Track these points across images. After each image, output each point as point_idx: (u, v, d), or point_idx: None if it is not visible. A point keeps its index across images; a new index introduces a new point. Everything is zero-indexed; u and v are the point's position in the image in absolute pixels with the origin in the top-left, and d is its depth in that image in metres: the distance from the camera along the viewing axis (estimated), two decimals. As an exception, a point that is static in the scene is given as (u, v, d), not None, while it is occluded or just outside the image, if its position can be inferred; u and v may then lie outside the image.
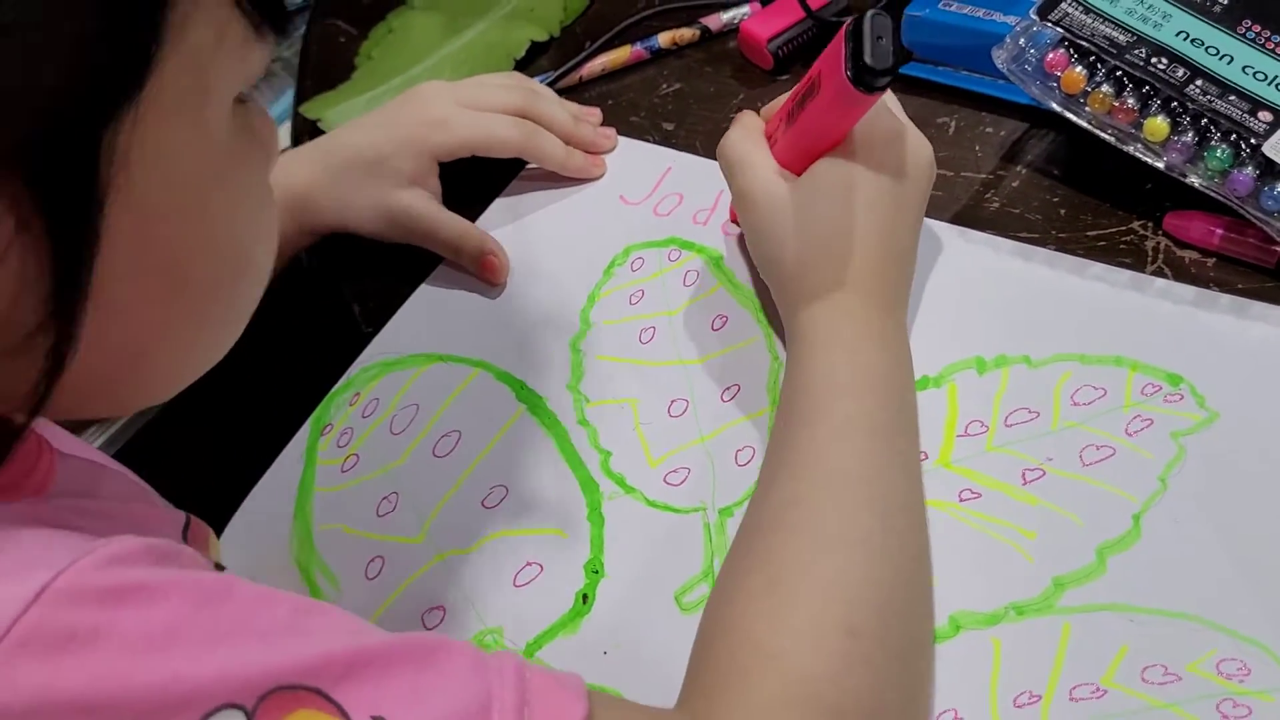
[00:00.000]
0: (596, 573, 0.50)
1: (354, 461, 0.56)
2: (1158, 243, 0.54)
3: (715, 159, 0.55)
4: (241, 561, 0.53)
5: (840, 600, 0.40)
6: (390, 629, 0.49)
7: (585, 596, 0.49)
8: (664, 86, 0.67)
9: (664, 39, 0.68)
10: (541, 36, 0.70)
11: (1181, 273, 0.53)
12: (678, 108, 0.64)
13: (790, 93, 0.52)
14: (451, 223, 0.60)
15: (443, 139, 0.61)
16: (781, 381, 0.48)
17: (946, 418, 0.51)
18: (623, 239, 0.60)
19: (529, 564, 0.51)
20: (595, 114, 0.66)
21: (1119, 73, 0.53)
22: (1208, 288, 0.52)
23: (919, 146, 0.51)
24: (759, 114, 0.55)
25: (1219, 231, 0.53)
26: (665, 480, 0.52)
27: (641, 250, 0.60)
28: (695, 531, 0.50)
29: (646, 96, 0.67)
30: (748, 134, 0.53)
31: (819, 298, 0.48)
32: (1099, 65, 0.53)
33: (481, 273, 0.59)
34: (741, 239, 0.58)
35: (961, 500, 0.48)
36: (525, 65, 0.70)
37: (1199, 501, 0.45)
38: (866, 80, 0.45)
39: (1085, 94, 0.53)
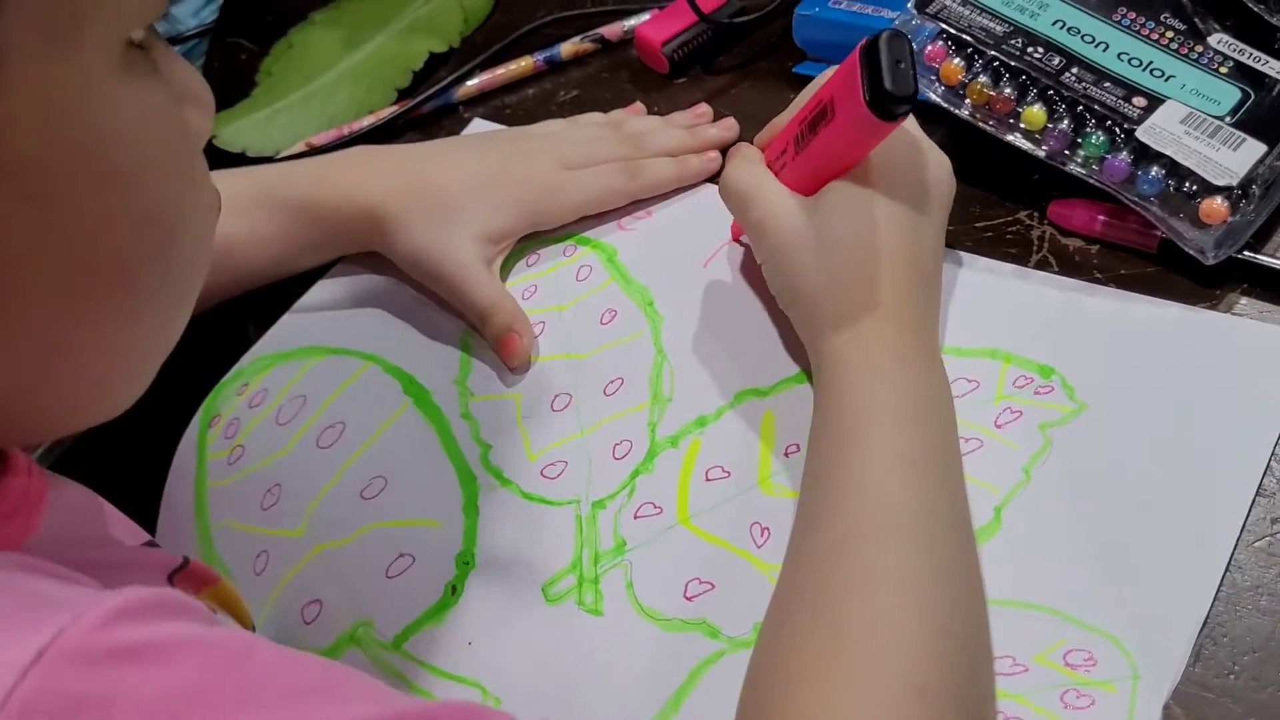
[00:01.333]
0: (467, 564, 0.49)
1: (240, 453, 0.56)
2: (1043, 232, 0.54)
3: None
4: None
5: (906, 656, 0.36)
6: (274, 625, 0.50)
7: (454, 588, 0.49)
8: (561, 94, 0.68)
9: (566, 51, 0.68)
10: (440, 47, 0.70)
11: (1066, 261, 0.53)
12: (575, 115, 0.64)
13: (792, 118, 0.50)
14: (487, 288, 0.55)
15: (552, 208, 0.58)
16: (815, 412, 0.46)
17: (822, 410, 0.50)
18: (520, 238, 0.60)
19: (402, 555, 0.50)
20: (706, 111, 0.63)
21: (996, 63, 0.53)
22: (1091, 275, 0.52)
23: (939, 161, 0.49)
24: (753, 144, 0.53)
25: (1101, 218, 0.53)
26: (542, 473, 0.52)
27: (538, 246, 0.60)
28: (567, 524, 0.50)
29: (545, 105, 0.67)
30: (750, 164, 0.51)
31: (849, 324, 0.45)
32: (976, 57, 0.53)
33: (500, 349, 0.55)
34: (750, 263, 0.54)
35: (829, 492, 0.48)
36: (424, 77, 0.70)
37: (1059, 493, 0.45)
38: (887, 108, 0.43)
39: (964, 85, 0.54)
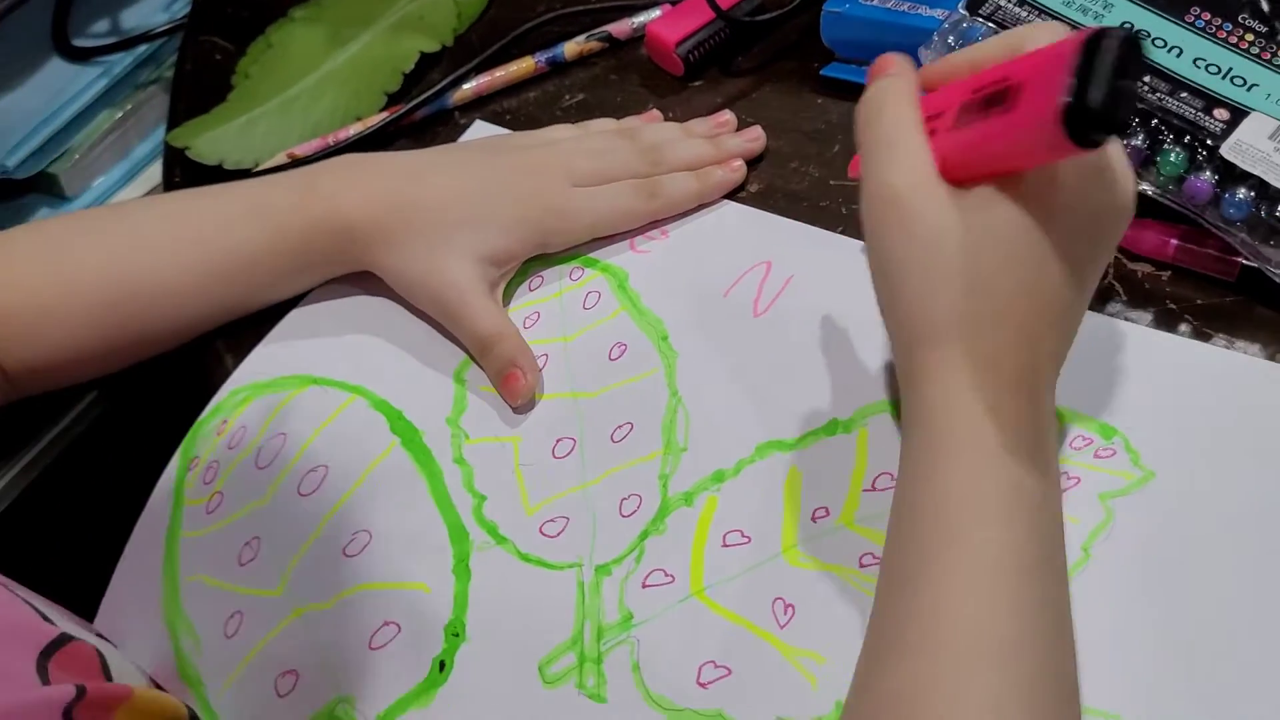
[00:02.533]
0: (457, 635, 0.45)
1: (219, 500, 0.51)
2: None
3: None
4: (117, 627, 0.48)
5: None
6: (243, 693, 0.45)
7: (443, 664, 0.44)
8: (567, 98, 0.62)
9: (569, 50, 0.63)
10: (432, 47, 0.65)
11: (1134, 288, 0.48)
12: (582, 121, 0.59)
13: (968, 78, 0.38)
14: (489, 317, 0.50)
15: (561, 229, 0.53)
16: (898, 490, 0.39)
17: (854, 469, 0.45)
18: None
19: (387, 624, 0.46)
20: (729, 120, 0.57)
21: None
22: (1164, 305, 0.47)
23: (1120, 188, 0.38)
24: (914, 68, 0.41)
25: (1174, 242, 0.48)
26: (541, 530, 0.47)
27: (541, 268, 0.55)
28: (568, 591, 0.45)
29: (548, 110, 0.61)
30: (905, 104, 0.39)
31: (967, 373, 0.37)
32: None
33: (501, 386, 0.50)
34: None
35: (862, 566, 0.43)
36: (416, 79, 0.64)
37: (1125, 575, 0.40)
38: (1085, 130, 0.33)
39: None
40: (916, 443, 0.38)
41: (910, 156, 0.38)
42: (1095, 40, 0.33)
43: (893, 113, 0.39)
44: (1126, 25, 0.38)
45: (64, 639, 0.37)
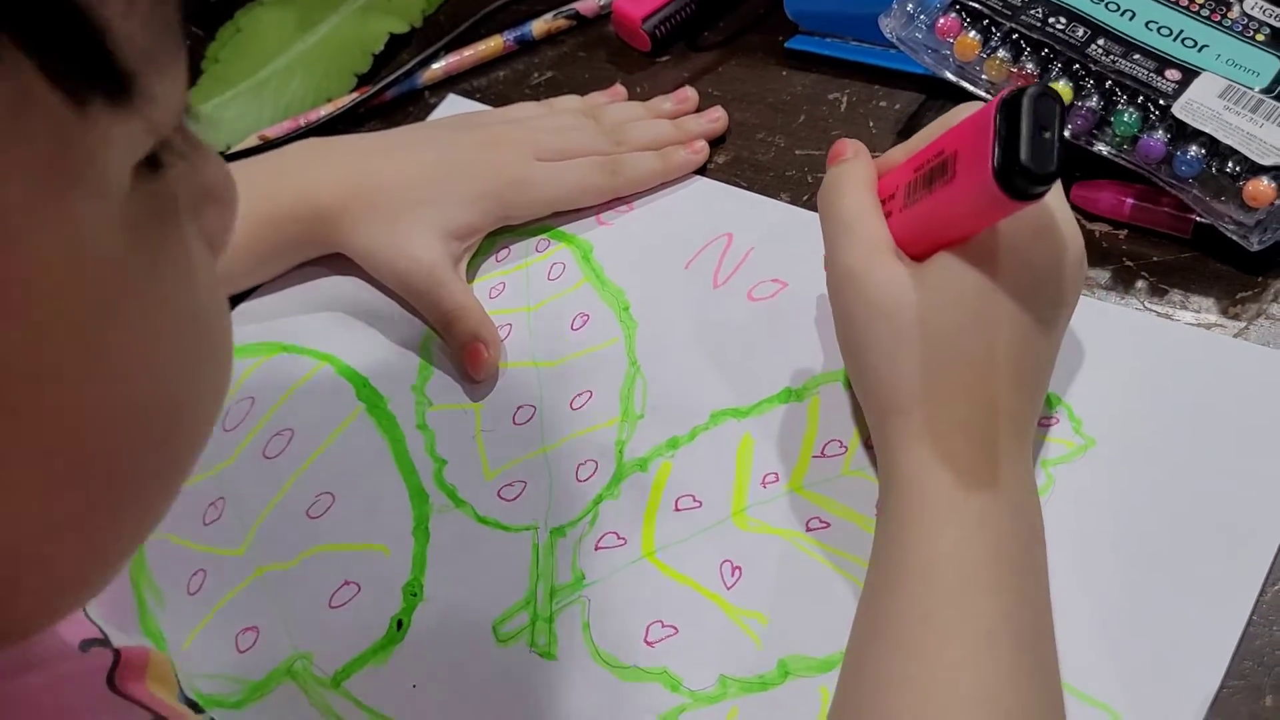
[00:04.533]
0: (414, 595, 0.46)
1: (186, 461, 0.52)
2: None
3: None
4: None
5: None
6: (204, 649, 0.47)
7: (400, 622, 0.45)
8: (536, 76, 0.63)
9: (537, 29, 0.63)
10: (401, 28, 0.65)
11: (1093, 248, 0.48)
12: (550, 98, 0.59)
13: (909, 158, 0.41)
14: (451, 291, 0.51)
15: (522, 202, 0.53)
16: (878, 547, 0.39)
17: (805, 435, 0.46)
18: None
19: (347, 583, 0.47)
20: (690, 97, 0.57)
21: (1015, 35, 0.48)
22: (1121, 263, 0.48)
23: (1068, 241, 0.39)
24: (870, 156, 0.44)
25: (1130, 201, 0.48)
26: (499, 494, 0.48)
27: (509, 240, 0.56)
28: (524, 552, 0.46)
29: (517, 88, 0.62)
30: (862, 188, 0.41)
31: (930, 438, 0.38)
32: (994, 29, 0.49)
33: (464, 359, 0.50)
34: None
35: (809, 530, 0.44)
36: (385, 60, 0.65)
37: (1059, 541, 0.41)
38: (1019, 185, 0.35)
39: (981, 60, 0.49)
40: (895, 507, 0.39)
41: (865, 236, 0.40)
42: (1014, 101, 0.35)
43: (848, 198, 0.41)
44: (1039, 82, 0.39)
45: None
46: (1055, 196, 0.39)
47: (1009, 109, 0.35)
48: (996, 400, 0.38)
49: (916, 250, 0.40)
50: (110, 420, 0.23)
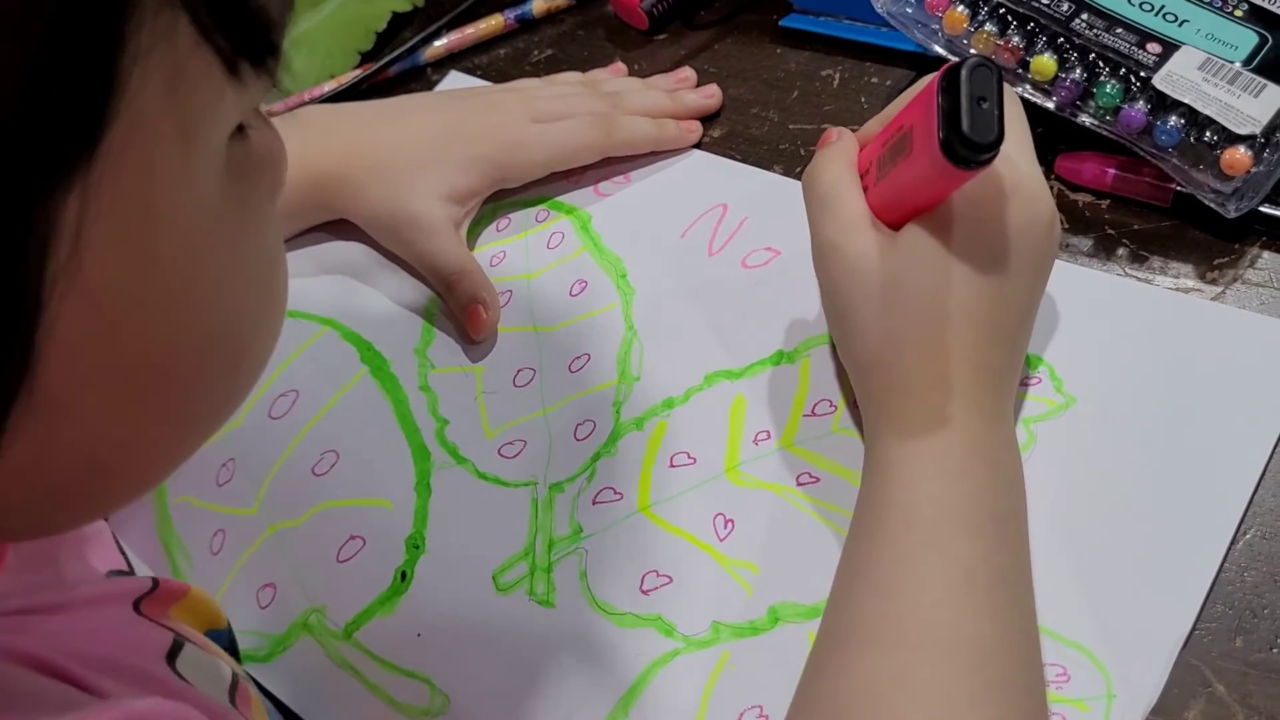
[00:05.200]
0: (417, 548, 0.47)
1: (195, 423, 0.53)
2: (1050, 187, 0.51)
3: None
4: (127, 545, 0.51)
5: None
6: (231, 606, 0.48)
7: (404, 574, 0.47)
8: (536, 54, 0.64)
9: (537, 7, 0.65)
10: (404, 6, 0.66)
11: (1075, 217, 0.50)
12: (551, 75, 0.61)
13: (879, 132, 0.43)
14: (452, 254, 0.52)
15: (519, 162, 0.54)
16: (862, 497, 0.40)
17: (796, 395, 0.48)
18: (491, 198, 0.57)
19: (352, 538, 0.48)
20: (689, 76, 0.59)
21: (1002, 10, 0.50)
22: (1103, 231, 0.49)
23: (1036, 202, 0.41)
24: (854, 134, 0.46)
25: (1112, 172, 0.50)
26: (500, 452, 0.49)
27: (509, 210, 0.57)
28: (523, 507, 0.47)
29: (517, 66, 0.64)
30: (841, 164, 0.43)
31: (912, 393, 0.40)
32: (981, 3, 0.50)
33: (464, 320, 0.51)
34: None
35: (799, 484, 0.45)
36: (388, 38, 0.66)
37: (1040, 494, 0.42)
38: (962, 154, 0.37)
39: (969, 34, 0.50)
40: (878, 457, 0.40)
41: (843, 210, 0.42)
42: (952, 74, 0.37)
43: (827, 175, 0.43)
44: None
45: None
46: (1025, 160, 0.41)
47: (949, 82, 0.37)
48: (974, 356, 0.40)
49: (892, 219, 0.41)
50: (192, 344, 0.26)
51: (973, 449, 0.39)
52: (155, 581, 0.37)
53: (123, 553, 0.39)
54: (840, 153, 0.44)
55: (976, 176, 0.38)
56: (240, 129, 0.26)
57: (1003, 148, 0.38)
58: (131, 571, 0.39)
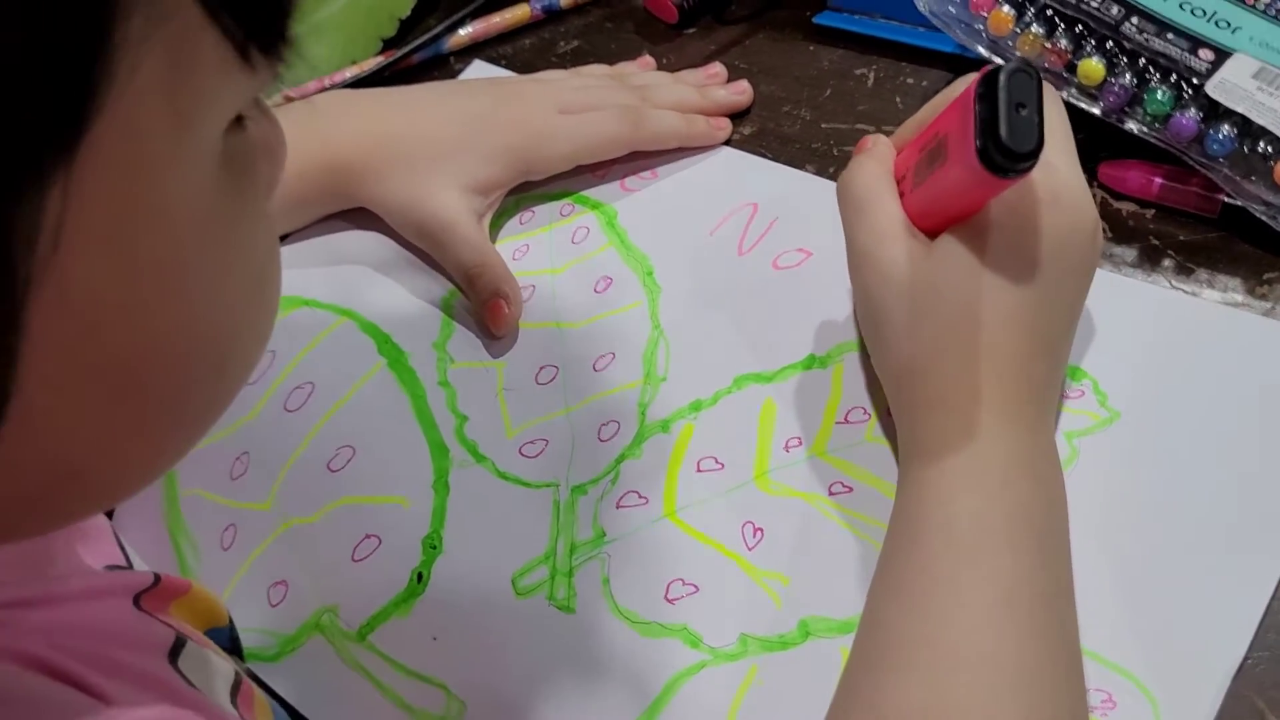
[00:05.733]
0: (434, 548, 0.46)
1: (207, 414, 0.52)
2: (1093, 195, 0.50)
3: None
4: (127, 539, 0.49)
5: None
6: (240, 603, 0.47)
7: (420, 575, 0.45)
8: (562, 45, 0.63)
9: (564, -4, 0.63)
10: None
11: (1119, 226, 0.49)
12: (578, 67, 0.60)
13: (915, 138, 0.42)
14: (474, 246, 0.51)
15: (545, 154, 0.53)
16: (896, 512, 0.39)
17: (828, 402, 0.46)
18: (515, 191, 0.56)
19: (368, 536, 0.47)
20: (719, 72, 0.58)
21: (1049, 11, 0.49)
22: (1148, 242, 0.48)
23: (1078, 210, 0.39)
24: (889, 139, 0.45)
25: (1158, 180, 0.48)
26: (520, 451, 0.48)
27: (533, 203, 0.56)
28: (544, 509, 0.46)
29: (544, 56, 0.62)
30: (877, 170, 0.42)
31: (949, 405, 0.38)
32: (1028, 4, 0.49)
33: (486, 315, 0.50)
34: None
35: (831, 494, 0.44)
36: (412, 25, 0.65)
37: (1083, 511, 0.41)
38: (1000, 162, 0.35)
39: (1014, 35, 0.49)
40: (914, 471, 0.39)
41: (879, 216, 0.41)
42: (990, 80, 0.35)
43: (863, 180, 0.42)
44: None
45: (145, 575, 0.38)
46: (1067, 166, 0.40)
47: (987, 88, 0.36)
48: (1012, 367, 0.38)
49: (929, 226, 0.40)
50: (173, 348, 0.24)
51: (1013, 462, 0.38)
52: (157, 577, 0.35)
53: (122, 549, 0.38)
54: (876, 158, 0.43)
55: (1015, 184, 0.37)
56: (239, 120, 0.25)
57: (1043, 154, 0.36)
58: (130, 565, 0.37)
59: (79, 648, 0.28)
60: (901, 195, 0.41)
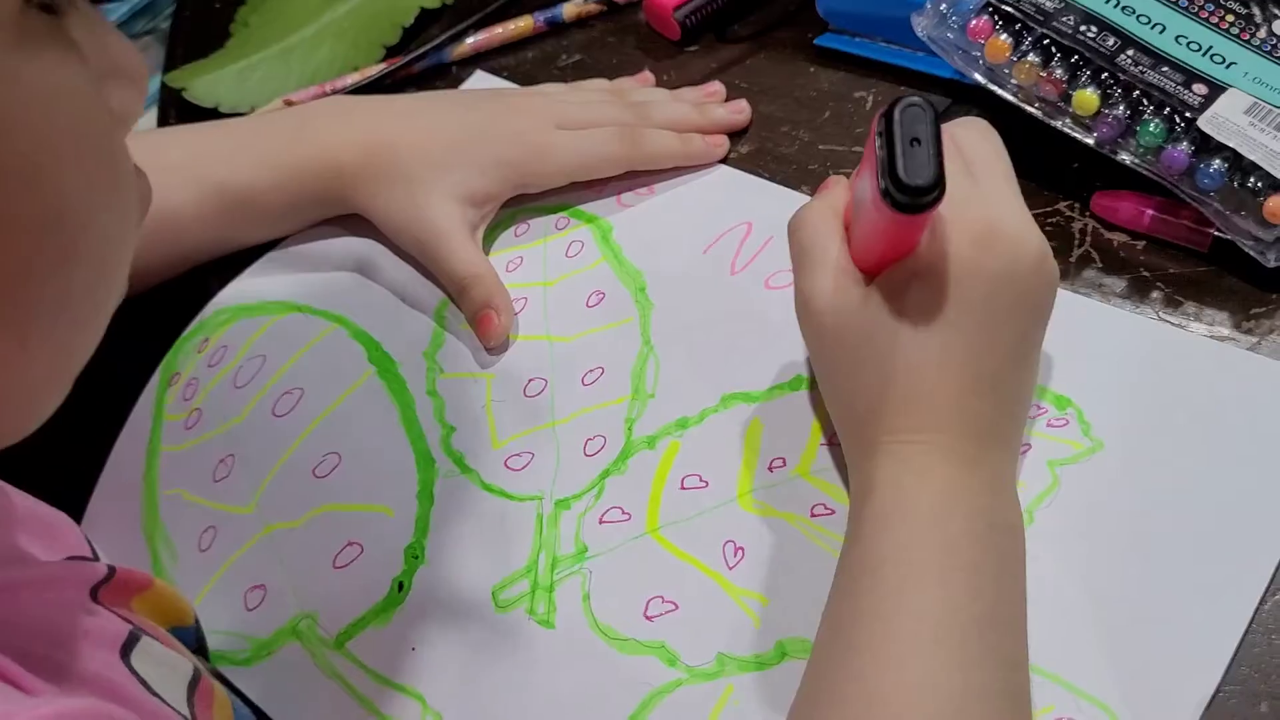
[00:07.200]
0: (416, 558, 0.46)
1: (196, 417, 0.52)
2: (1085, 224, 0.50)
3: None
4: (99, 536, 0.49)
5: None
6: (214, 605, 0.47)
7: (401, 584, 0.45)
8: (564, 58, 0.63)
9: (568, 11, 0.64)
10: (433, 3, 0.65)
11: (1109, 257, 0.49)
12: (579, 81, 0.60)
13: (851, 178, 0.42)
14: (466, 258, 0.51)
15: (541, 169, 0.53)
16: (841, 552, 0.39)
17: (814, 423, 0.46)
18: (511, 203, 0.56)
19: (350, 544, 0.47)
20: (718, 90, 0.58)
21: (1046, 41, 0.49)
22: (1138, 273, 0.48)
23: (1016, 243, 0.38)
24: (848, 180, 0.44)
25: (1150, 212, 0.49)
26: (506, 463, 0.48)
27: (528, 216, 0.56)
28: (527, 521, 0.46)
29: (545, 69, 0.63)
30: (825, 214, 0.42)
31: (889, 446, 0.38)
32: (1025, 33, 0.49)
33: (477, 326, 0.50)
34: None
35: (813, 515, 0.44)
36: (415, 34, 0.65)
37: (1063, 540, 0.41)
38: (899, 200, 0.35)
39: (1011, 64, 0.49)
40: (853, 511, 0.40)
41: (822, 262, 0.41)
42: (887, 117, 0.35)
43: (810, 224, 0.42)
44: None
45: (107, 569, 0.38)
46: (1002, 199, 0.39)
47: (886, 125, 0.35)
48: (947, 407, 0.38)
49: (870, 267, 0.40)
50: (5, 233, 0.25)
51: (947, 498, 0.38)
52: (112, 569, 0.35)
53: (90, 546, 0.38)
54: (827, 202, 0.43)
55: (933, 221, 0.37)
56: (51, 9, 0.26)
57: (980, 188, 0.36)
58: (96, 558, 0.37)
59: (23, 645, 0.28)
60: (850, 240, 0.41)
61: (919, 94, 0.36)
